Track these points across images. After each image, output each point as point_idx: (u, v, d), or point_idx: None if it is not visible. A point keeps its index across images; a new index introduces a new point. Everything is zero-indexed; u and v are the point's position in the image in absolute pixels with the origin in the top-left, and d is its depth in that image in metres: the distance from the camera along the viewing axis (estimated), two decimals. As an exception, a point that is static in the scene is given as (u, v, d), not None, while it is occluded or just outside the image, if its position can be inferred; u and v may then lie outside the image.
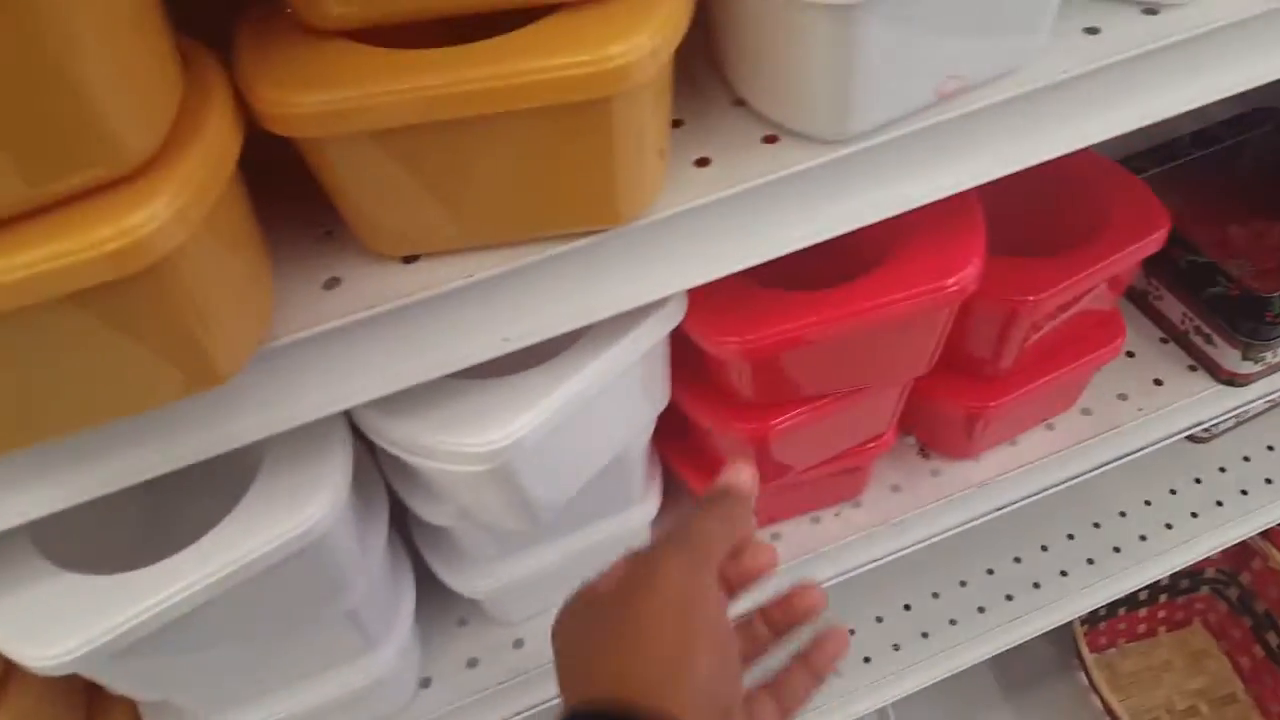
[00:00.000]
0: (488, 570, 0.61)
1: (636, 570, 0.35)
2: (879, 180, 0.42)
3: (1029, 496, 0.74)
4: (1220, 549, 1.00)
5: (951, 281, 0.50)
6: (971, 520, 0.73)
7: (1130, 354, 0.78)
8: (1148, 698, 1.25)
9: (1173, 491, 1.04)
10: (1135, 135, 0.84)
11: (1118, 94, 0.44)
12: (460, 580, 0.61)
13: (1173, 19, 0.44)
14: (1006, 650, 0.96)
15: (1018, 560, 1.02)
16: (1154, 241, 0.61)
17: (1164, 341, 0.79)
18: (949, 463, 0.73)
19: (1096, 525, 1.03)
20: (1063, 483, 0.74)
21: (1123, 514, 1.04)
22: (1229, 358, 0.73)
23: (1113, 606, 1.24)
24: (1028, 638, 0.96)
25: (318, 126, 0.33)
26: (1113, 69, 0.43)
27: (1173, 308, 0.77)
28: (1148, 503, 1.04)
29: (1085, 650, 1.12)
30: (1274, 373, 0.75)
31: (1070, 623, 1.15)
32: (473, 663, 0.67)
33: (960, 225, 0.52)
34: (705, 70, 0.45)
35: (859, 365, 0.56)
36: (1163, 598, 1.26)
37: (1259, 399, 0.76)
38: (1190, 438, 1.08)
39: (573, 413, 0.45)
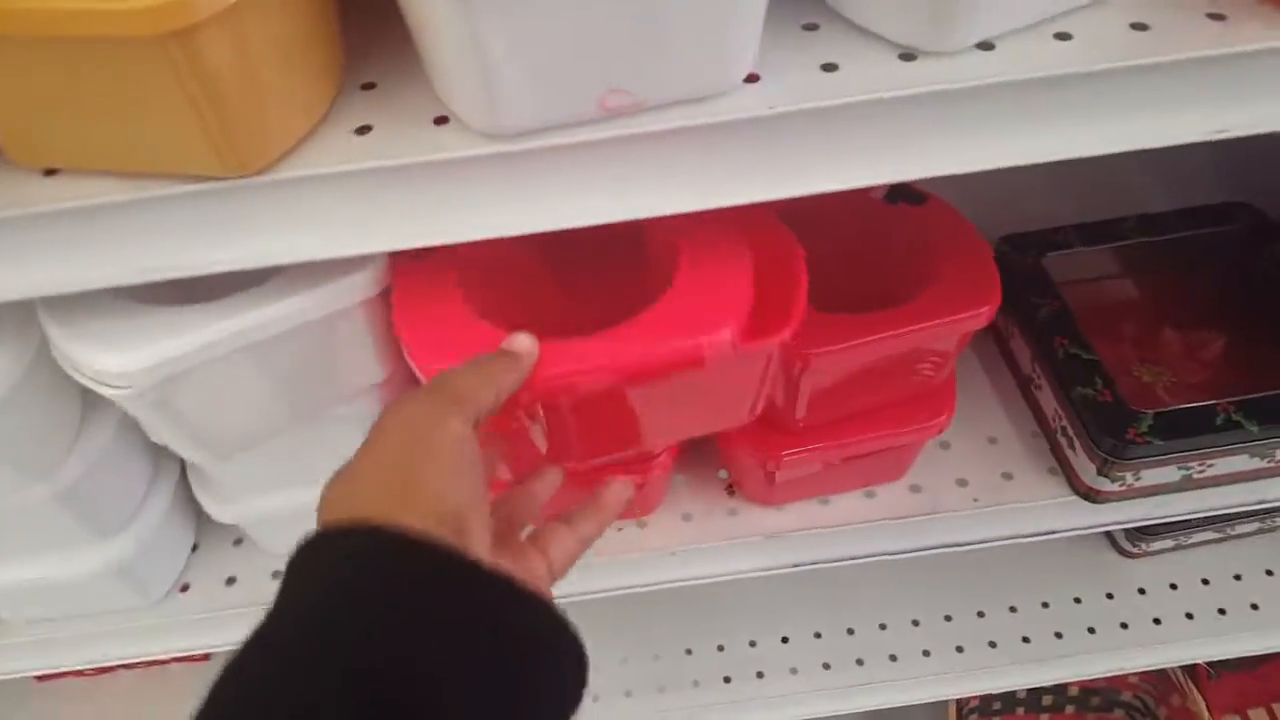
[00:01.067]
0: (234, 499, 0.62)
1: (379, 415, 0.37)
2: (543, 188, 0.39)
3: (838, 560, 0.70)
4: (1091, 677, 0.93)
5: (701, 341, 0.46)
6: (768, 569, 0.69)
7: (992, 439, 0.73)
8: (1030, 807, 1.17)
9: (1077, 600, 0.98)
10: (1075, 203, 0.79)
11: (840, 145, 0.40)
12: (208, 504, 0.62)
13: (931, 69, 0.39)
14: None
15: (915, 623, 0.98)
16: (971, 319, 0.56)
17: (1035, 435, 0.73)
18: (750, 506, 0.69)
19: (980, 614, 0.97)
20: (876, 555, 0.69)
21: (1012, 609, 0.97)
22: (1086, 470, 0.67)
23: (1010, 702, 1.16)
24: (886, 705, 0.92)
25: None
26: (835, 114, 0.39)
27: (1048, 400, 0.70)
28: (1045, 605, 0.97)
29: (955, 739, 1.06)
30: (1140, 496, 0.68)
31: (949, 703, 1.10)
32: (231, 580, 0.68)
33: (735, 264, 0.48)
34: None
35: (637, 422, 0.52)
36: (1070, 708, 1.18)
37: (1117, 524, 0.69)
38: (1117, 549, 1.00)
39: (225, 356, 0.45)
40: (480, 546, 0.34)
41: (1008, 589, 0.98)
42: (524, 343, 0.43)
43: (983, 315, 0.56)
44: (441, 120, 0.40)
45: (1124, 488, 0.67)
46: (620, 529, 0.68)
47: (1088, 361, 0.66)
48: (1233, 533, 0.98)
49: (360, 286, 0.46)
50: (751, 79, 0.40)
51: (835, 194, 0.40)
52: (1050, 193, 0.82)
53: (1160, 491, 0.68)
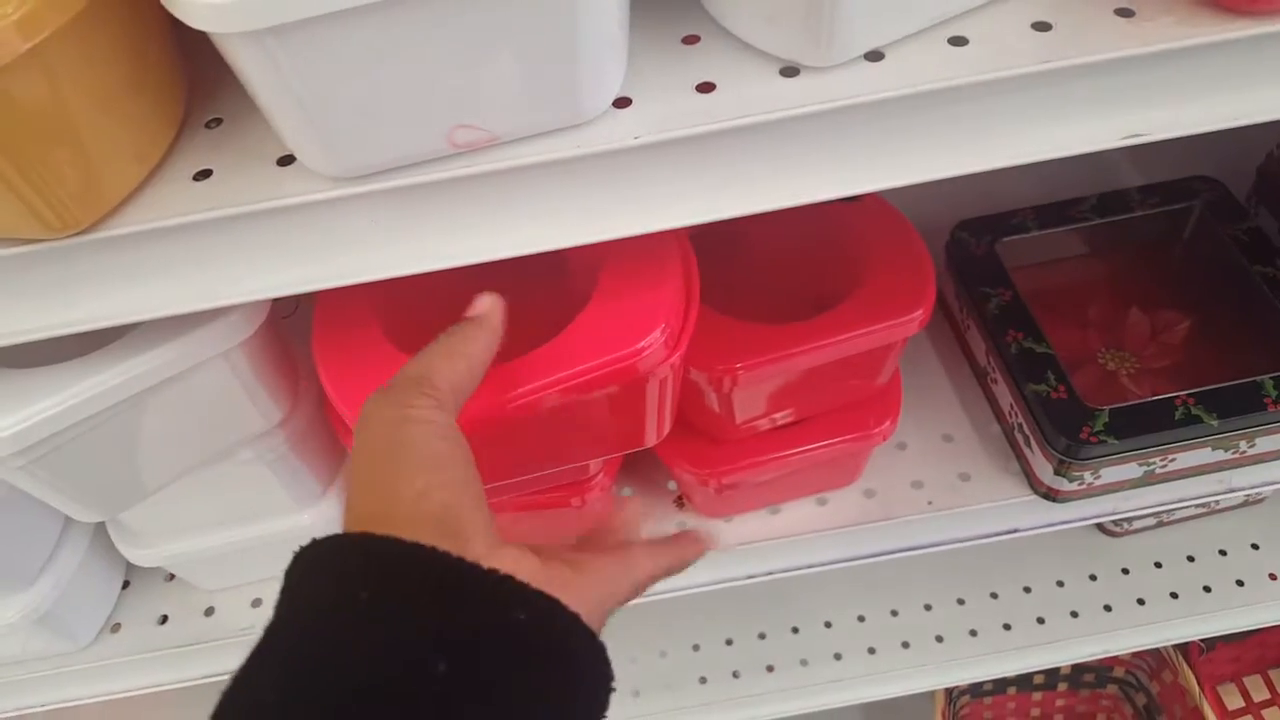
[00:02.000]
0: (150, 544, 0.60)
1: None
2: (394, 231, 0.36)
3: (790, 570, 0.67)
4: (1073, 662, 0.91)
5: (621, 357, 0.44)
6: (719, 582, 0.67)
7: (949, 438, 0.70)
8: (1022, 786, 1.16)
9: (1059, 584, 0.95)
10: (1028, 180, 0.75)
11: (712, 172, 0.37)
12: (125, 549, 0.60)
13: (812, 86, 0.36)
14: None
15: (895, 613, 0.96)
16: (900, 326, 0.53)
17: (994, 432, 0.70)
18: (699, 519, 0.67)
19: (960, 601, 0.95)
20: (829, 564, 0.67)
21: (994, 595, 0.95)
22: (1044, 469, 0.64)
23: (1001, 683, 1.14)
24: (879, 697, 0.91)
25: None
26: (706, 140, 0.36)
27: (1004, 395, 0.67)
28: (1026, 589, 0.95)
29: (940, 724, 1.04)
30: (1103, 494, 0.66)
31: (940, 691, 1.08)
32: (164, 619, 0.67)
33: (655, 281, 0.46)
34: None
35: (536, 448, 0.49)
36: (1062, 686, 1.16)
37: (1078, 520, 0.66)
38: (1101, 529, 0.98)
39: (89, 418, 0.42)
40: (479, 538, 0.31)
41: (988, 575, 0.96)
42: (486, 302, 0.39)
43: (914, 321, 0.53)
44: (286, 160, 0.37)
45: (1083, 486, 0.64)
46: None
47: (1041, 355, 0.63)
48: (1217, 507, 0.95)
49: (225, 333, 0.44)
50: (622, 103, 0.37)
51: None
52: (1015, 171, 0.78)
53: (1123, 488, 0.65)
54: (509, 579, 0.29)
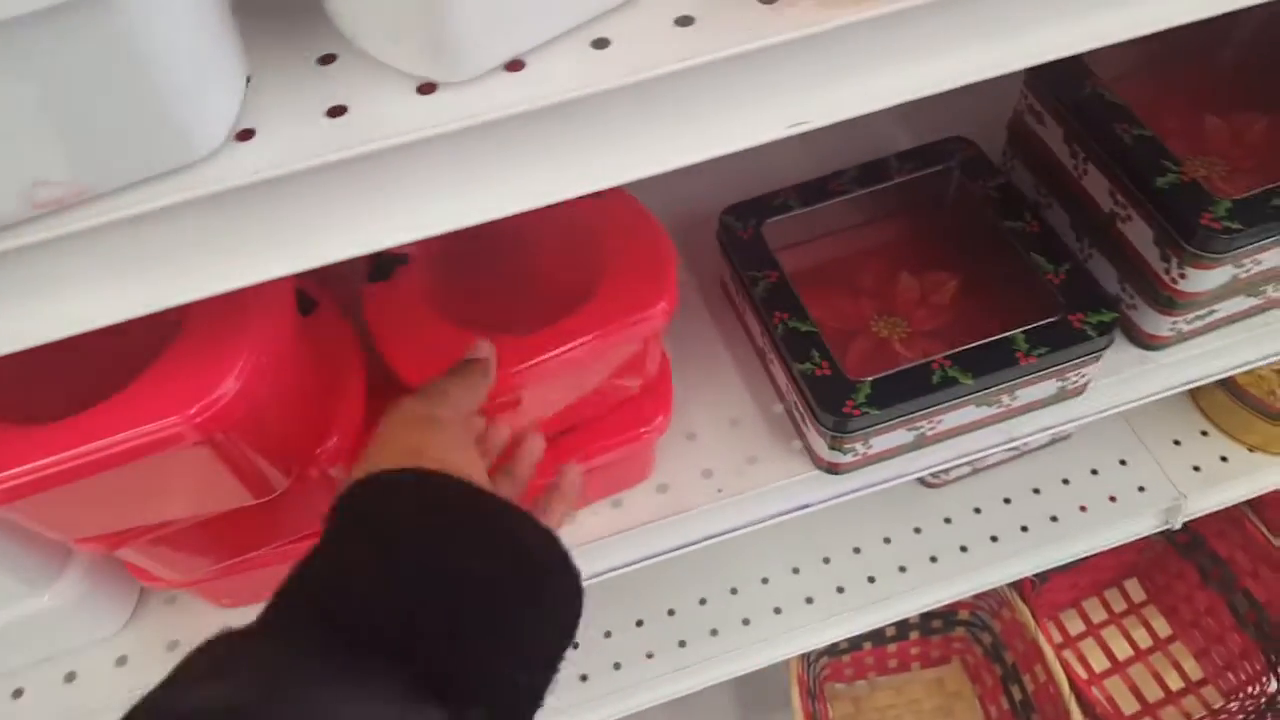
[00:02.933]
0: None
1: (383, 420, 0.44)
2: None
3: (594, 576, 0.66)
4: (905, 616, 0.93)
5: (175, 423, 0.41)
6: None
7: (735, 422, 0.70)
8: (885, 737, 1.20)
9: (886, 540, 0.97)
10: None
11: (342, 203, 0.34)
12: None
13: (447, 103, 0.34)
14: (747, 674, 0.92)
15: (734, 591, 0.97)
16: (639, 323, 0.52)
17: (777, 412, 0.70)
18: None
19: (795, 570, 0.97)
20: (631, 564, 0.66)
21: (826, 560, 0.97)
22: (819, 445, 0.64)
23: (855, 639, 1.17)
24: (729, 676, 0.91)
25: None
26: (334, 170, 0.33)
27: (780, 375, 0.67)
28: (856, 550, 0.97)
29: (795, 691, 1.05)
30: (881, 460, 0.67)
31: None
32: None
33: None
34: None
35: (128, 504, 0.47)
36: (914, 634, 1.19)
37: (863, 488, 0.67)
38: (921, 482, 1.00)
39: None
40: (485, 485, 0.41)
41: (818, 541, 0.98)
42: (486, 349, 0.49)
43: (654, 316, 0.52)
44: None
45: (859, 457, 0.65)
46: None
47: (805, 334, 0.63)
48: (1026, 448, 0.99)
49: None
50: (245, 135, 0.34)
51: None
52: (779, 146, 0.78)
53: (900, 453, 0.66)
54: (517, 506, 0.40)
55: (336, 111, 0.34)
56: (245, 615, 0.63)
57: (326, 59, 0.37)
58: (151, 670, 0.62)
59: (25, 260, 0.32)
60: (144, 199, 0.32)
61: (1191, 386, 0.72)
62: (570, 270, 0.58)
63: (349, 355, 0.55)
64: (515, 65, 0.35)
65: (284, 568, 0.58)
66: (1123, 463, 0.99)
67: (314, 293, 0.55)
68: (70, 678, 0.63)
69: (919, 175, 0.72)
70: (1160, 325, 0.68)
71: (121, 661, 0.63)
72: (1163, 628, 1.28)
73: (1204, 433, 1.00)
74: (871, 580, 0.95)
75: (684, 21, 0.36)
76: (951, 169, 0.72)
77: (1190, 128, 0.75)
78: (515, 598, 0.37)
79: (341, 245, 0.34)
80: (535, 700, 0.38)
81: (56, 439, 0.40)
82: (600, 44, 0.36)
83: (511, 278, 0.60)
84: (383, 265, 0.56)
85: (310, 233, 0.34)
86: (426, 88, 0.35)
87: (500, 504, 0.39)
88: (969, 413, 0.64)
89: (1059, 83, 0.68)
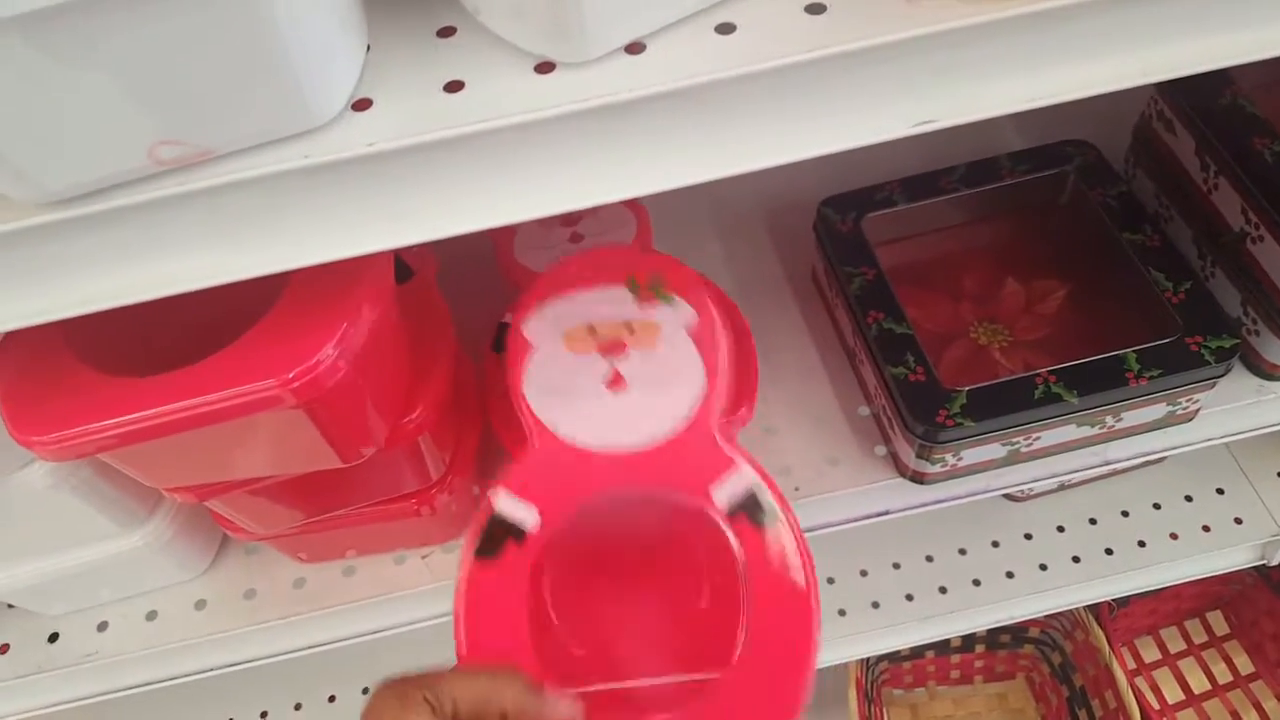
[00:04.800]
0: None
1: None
2: (98, 257, 0.33)
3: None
4: (975, 630, 0.91)
5: None
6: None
7: (818, 420, 0.68)
8: (942, 748, 1.17)
9: (962, 551, 0.95)
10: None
11: (456, 181, 0.34)
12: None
13: (566, 84, 0.33)
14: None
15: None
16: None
17: (863, 414, 0.68)
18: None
19: (864, 573, 0.95)
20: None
21: (896, 565, 0.95)
22: (906, 453, 0.62)
23: (919, 647, 1.15)
24: None
25: None
26: (451, 146, 0.33)
27: (869, 377, 0.66)
28: (929, 559, 0.95)
29: (852, 693, 1.04)
30: (969, 474, 0.64)
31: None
32: (4, 649, 0.64)
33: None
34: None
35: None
36: (979, 648, 1.16)
37: (947, 499, 0.65)
38: (1006, 495, 0.97)
39: None
40: None
41: (890, 546, 0.96)
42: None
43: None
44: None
45: (947, 468, 0.62)
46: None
47: (901, 336, 0.61)
48: (1118, 469, 0.95)
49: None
50: (361, 105, 0.34)
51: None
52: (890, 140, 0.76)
53: (989, 467, 0.64)
54: None
55: (454, 87, 0.34)
56: (320, 572, 0.64)
57: (446, 31, 0.36)
58: (228, 616, 0.64)
59: (145, 217, 0.32)
60: (261, 163, 0.32)
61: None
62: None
63: (439, 326, 0.55)
64: (636, 48, 0.34)
65: (363, 528, 0.59)
66: (1220, 491, 0.94)
67: (412, 261, 0.55)
68: (151, 616, 0.65)
69: (1033, 177, 0.69)
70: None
71: (200, 605, 0.65)
72: (1245, 664, 1.22)
73: (1313, 466, 0.95)
74: (943, 591, 0.93)
75: (815, 9, 0.34)
76: (1068, 173, 0.69)
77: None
78: None
79: (452, 221, 0.34)
80: None
81: (160, 392, 0.41)
82: (725, 29, 0.34)
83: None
84: (492, 535, 0.48)
85: (421, 206, 0.34)
86: (545, 67, 0.34)
87: None
88: (1068, 431, 0.61)
89: (1194, 89, 0.65)
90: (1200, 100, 0.64)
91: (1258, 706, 1.19)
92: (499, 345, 0.58)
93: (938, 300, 0.70)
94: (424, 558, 0.64)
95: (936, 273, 0.72)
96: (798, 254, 0.77)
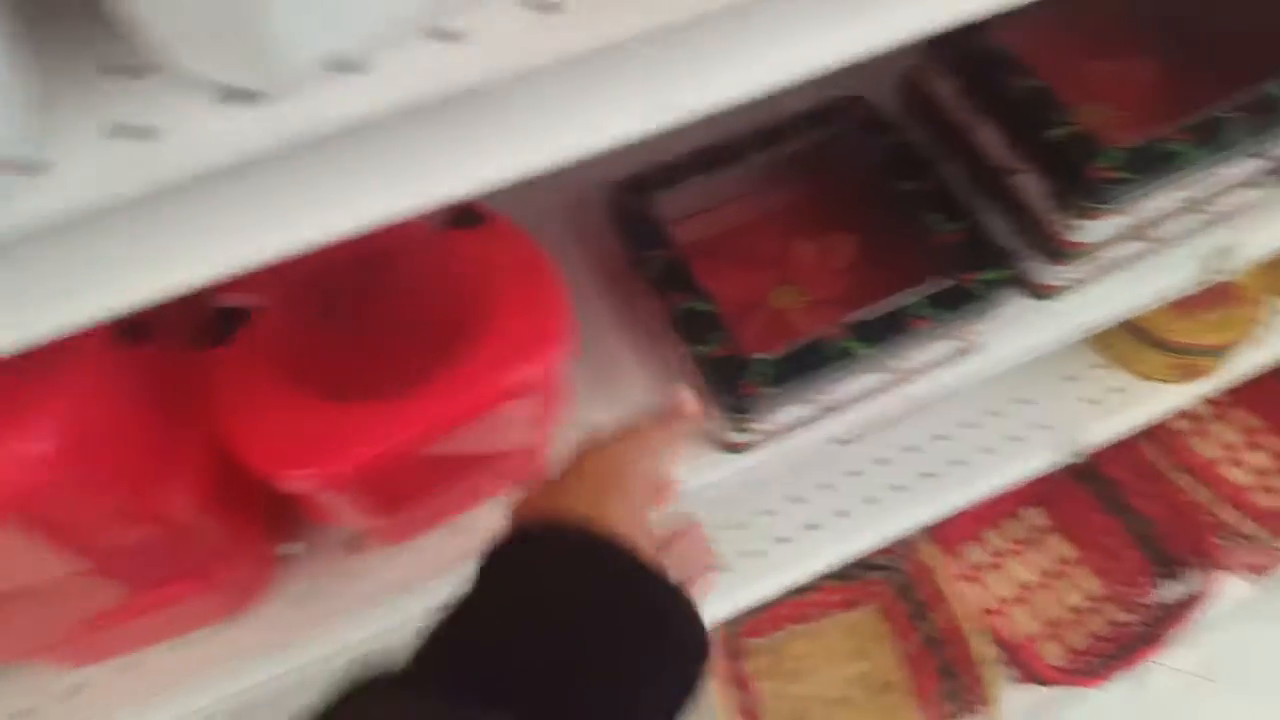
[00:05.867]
0: None
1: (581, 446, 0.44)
2: None
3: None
4: (814, 575, 0.94)
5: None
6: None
7: (639, 407, 0.67)
8: (807, 685, 1.21)
9: (797, 500, 0.97)
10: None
11: (145, 241, 0.30)
12: None
13: (271, 114, 0.30)
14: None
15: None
16: (518, 385, 0.48)
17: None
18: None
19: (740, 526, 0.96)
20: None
21: (740, 526, 0.96)
22: (723, 425, 0.62)
23: (773, 595, 1.18)
24: None
25: None
26: (136, 206, 0.29)
27: (681, 357, 0.65)
28: (769, 513, 0.97)
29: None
30: (780, 436, 0.65)
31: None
32: None
33: None
34: None
35: None
36: (830, 583, 1.21)
37: (769, 462, 0.66)
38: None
39: None
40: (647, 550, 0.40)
41: (729, 509, 0.97)
42: (690, 400, 0.48)
43: (540, 368, 0.48)
44: None
45: (761, 435, 0.63)
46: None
47: (702, 314, 0.61)
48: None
49: None
50: (37, 169, 0.29)
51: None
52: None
53: (802, 425, 0.65)
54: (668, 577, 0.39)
55: (140, 134, 0.30)
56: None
57: (124, 70, 0.32)
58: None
59: None
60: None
61: (1086, 333, 0.72)
62: (446, 315, 0.52)
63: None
64: (345, 66, 0.31)
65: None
66: (1023, 401, 1.01)
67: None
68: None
69: (814, 137, 0.69)
70: (1053, 275, 0.68)
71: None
72: (1069, 551, 1.33)
73: (1094, 365, 1.02)
74: (784, 541, 0.95)
75: (548, 8, 0.32)
76: (845, 129, 0.70)
77: (1083, 73, 0.74)
78: (660, 682, 0.38)
79: (150, 288, 0.30)
80: None
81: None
82: (449, 37, 0.32)
83: (383, 328, 0.54)
84: (221, 322, 0.48)
85: (119, 274, 0.29)
86: (241, 96, 0.30)
87: (662, 586, 0.39)
88: (869, 380, 0.63)
89: (951, 34, 0.66)
90: (956, 45, 0.66)
91: (1078, 587, 1.30)
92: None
93: (738, 271, 0.70)
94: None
95: (735, 244, 0.72)
96: (603, 240, 0.75)
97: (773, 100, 0.74)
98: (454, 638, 0.37)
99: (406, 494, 0.53)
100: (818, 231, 0.71)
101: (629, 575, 0.38)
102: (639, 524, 0.41)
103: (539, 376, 0.48)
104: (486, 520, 0.62)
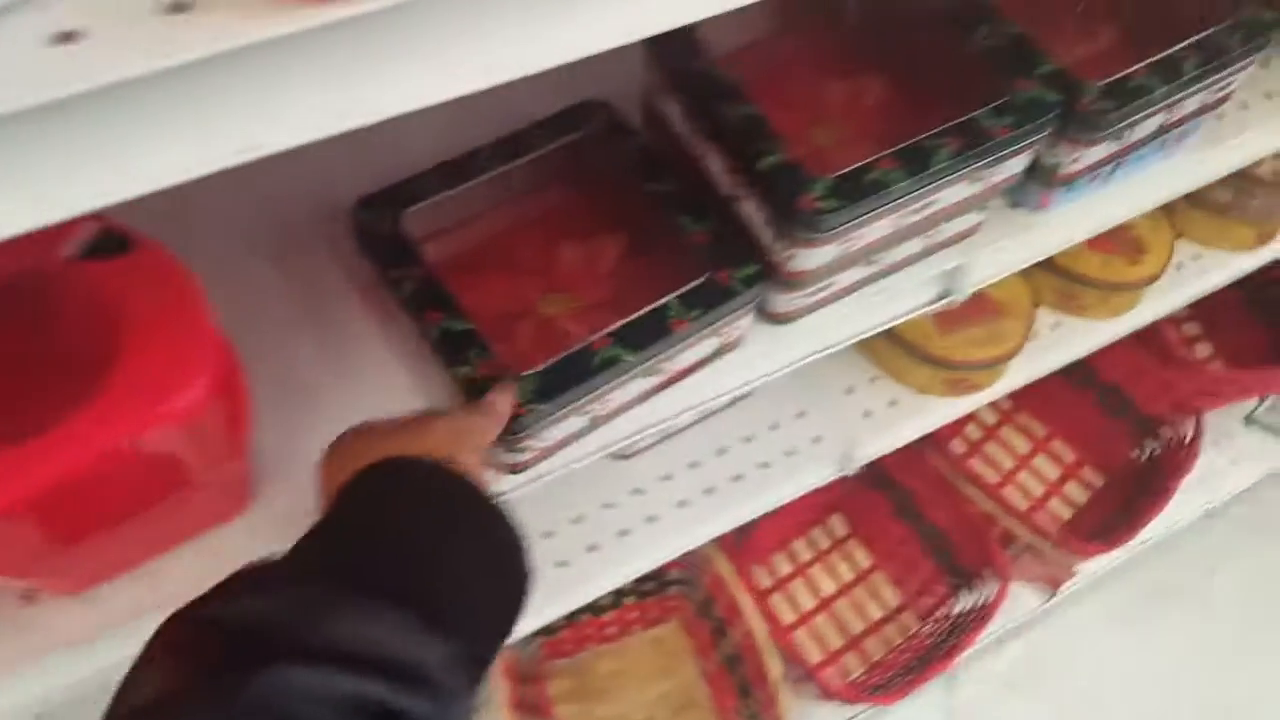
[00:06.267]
0: None
1: (415, 415, 0.54)
2: None
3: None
4: (598, 596, 0.93)
5: None
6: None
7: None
8: (613, 706, 1.20)
9: (577, 520, 0.96)
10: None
11: None
12: None
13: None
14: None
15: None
16: (134, 426, 0.44)
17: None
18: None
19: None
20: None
21: (548, 534, 0.95)
22: (497, 450, 0.61)
23: (572, 614, 1.17)
24: None
25: None
26: None
27: (444, 378, 0.63)
28: (548, 534, 0.95)
29: (500, 681, 1.04)
30: (561, 448, 0.65)
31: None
32: None
33: None
34: None
35: None
36: (629, 600, 1.21)
37: (546, 476, 0.65)
38: (614, 455, 0.99)
39: None
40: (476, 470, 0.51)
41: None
42: (504, 400, 0.56)
43: (178, 403, 0.45)
44: None
45: (536, 453, 0.62)
46: None
47: (460, 334, 0.59)
48: (711, 407, 0.99)
49: None
50: None
51: None
52: (416, 129, 0.70)
53: (577, 438, 0.65)
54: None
55: None
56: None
57: None
58: None
59: None
60: None
61: (825, 353, 0.74)
62: (88, 351, 0.47)
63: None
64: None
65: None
66: (801, 415, 1.02)
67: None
68: None
69: (557, 144, 0.68)
70: (785, 303, 0.69)
71: None
72: (865, 559, 1.36)
73: (873, 379, 1.05)
74: (563, 565, 0.94)
75: (67, 37, 0.29)
76: (588, 135, 0.69)
77: (816, 94, 0.75)
78: (496, 571, 0.47)
79: None
80: (500, 640, 0.47)
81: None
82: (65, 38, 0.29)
83: (13, 366, 0.49)
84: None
85: None
86: None
87: (490, 499, 0.48)
88: (636, 385, 0.63)
89: (674, 55, 0.66)
90: (679, 66, 0.65)
91: (876, 596, 1.33)
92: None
93: (499, 281, 0.68)
94: None
95: (492, 255, 0.70)
96: (357, 261, 0.71)
97: (510, 107, 0.73)
98: (334, 544, 0.43)
99: (58, 541, 0.49)
100: (581, 236, 0.70)
101: (474, 495, 0.48)
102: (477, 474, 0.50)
103: (176, 412, 0.45)
104: (179, 568, 0.58)
